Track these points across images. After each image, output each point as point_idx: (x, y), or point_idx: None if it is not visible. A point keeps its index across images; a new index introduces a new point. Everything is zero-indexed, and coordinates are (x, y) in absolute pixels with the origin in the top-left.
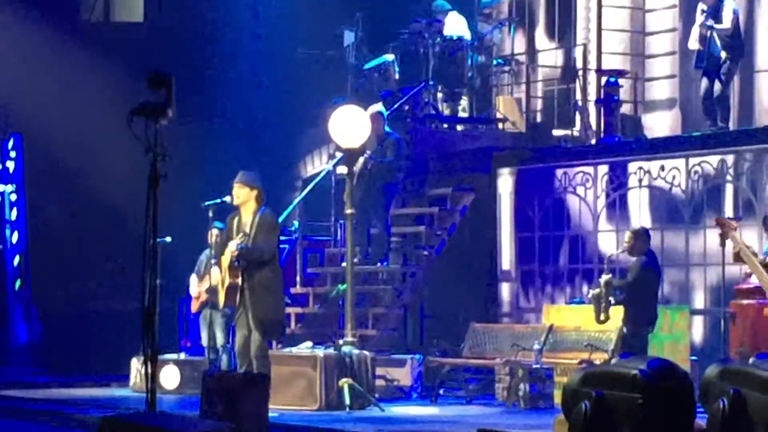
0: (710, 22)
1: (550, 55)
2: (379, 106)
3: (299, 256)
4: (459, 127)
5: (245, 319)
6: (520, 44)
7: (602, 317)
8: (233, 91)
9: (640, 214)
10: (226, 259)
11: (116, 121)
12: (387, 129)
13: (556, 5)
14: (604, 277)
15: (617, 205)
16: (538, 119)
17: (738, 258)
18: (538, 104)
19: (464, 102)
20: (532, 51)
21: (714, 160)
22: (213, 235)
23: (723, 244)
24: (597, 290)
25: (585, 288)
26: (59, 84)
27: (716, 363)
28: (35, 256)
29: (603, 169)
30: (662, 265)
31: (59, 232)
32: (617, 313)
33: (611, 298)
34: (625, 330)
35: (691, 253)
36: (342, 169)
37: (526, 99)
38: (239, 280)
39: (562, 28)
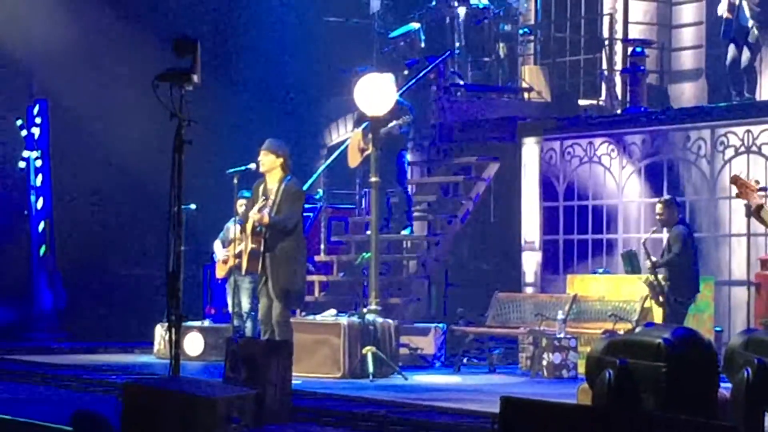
0: None
1: (576, 25)
2: (388, 76)
3: (324, 225)
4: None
5: (266, 287)
6: (545, 13)
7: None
8: (258, 58)
9: (664, 184)
10: (250, 225)
11: (142, 86)
12: (398, 98)
13: None
14: (649, 262)
15: (642, 176)
16: (564, 89)
17: (757, 216)
18: (564, 74)
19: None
20: (557, 20)
21: (740, 130)
22: (241, 205)
23: (748, 215)
24: (648, 276)
25: (607, 259)
26: (84, 49)
27: (740, 333)
28: (60, 222)
29: (628, 139)
30: None
31: (84, 199)
32: (635, 282)
33: (662, 280)
34: (672, 302)
35: (717, 223)
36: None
37: (551, 68)
38: (261, 247)
39: None
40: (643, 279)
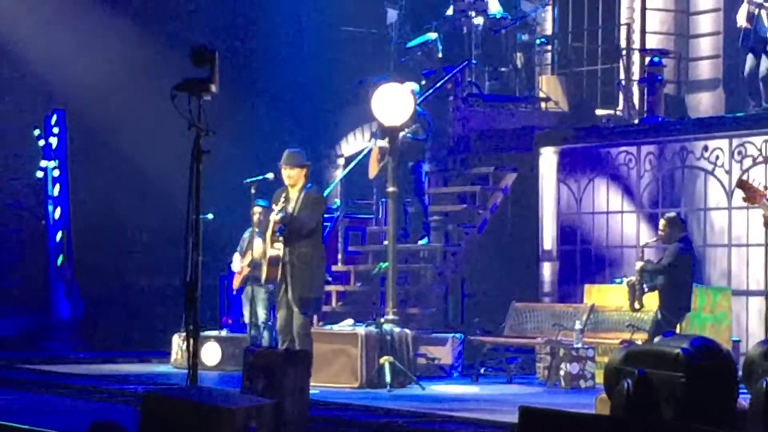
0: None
1: (594, 34)
2: (412, 85)
3: (341, 234)
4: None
5: (286, 297)
6: (563, 23)
7: (636, 305)
8: (276, 67)
9: (682, 194)
10: (269, 232)
11: (160, 96)
12: (418, 108)
13: None
14: (639, 264)
15: (659, 185)
16: (581, 99)
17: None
18: (581, 84)
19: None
20: (574, 30)
21: (758, 140)
22: (256, 213)
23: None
24: (632, 278)
25: (625, 269)
26: (102, 59)
27: (759, 343)
28: (77, 232)
29: (646, 149)
30: (705, 245)
31: (101, 208)
32: (653, 298)
33: (645, 286)
34: (659, 316)
35: (734, 234)
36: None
37: (569, 78)
38: (280, 253)
39: (606, 7)
40: (627, 280)
